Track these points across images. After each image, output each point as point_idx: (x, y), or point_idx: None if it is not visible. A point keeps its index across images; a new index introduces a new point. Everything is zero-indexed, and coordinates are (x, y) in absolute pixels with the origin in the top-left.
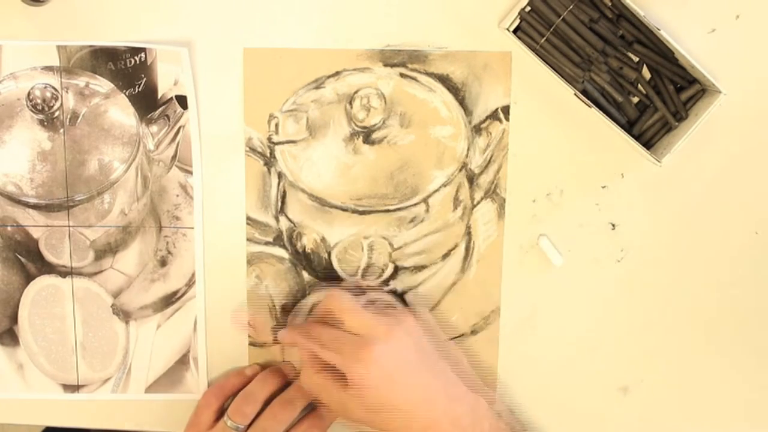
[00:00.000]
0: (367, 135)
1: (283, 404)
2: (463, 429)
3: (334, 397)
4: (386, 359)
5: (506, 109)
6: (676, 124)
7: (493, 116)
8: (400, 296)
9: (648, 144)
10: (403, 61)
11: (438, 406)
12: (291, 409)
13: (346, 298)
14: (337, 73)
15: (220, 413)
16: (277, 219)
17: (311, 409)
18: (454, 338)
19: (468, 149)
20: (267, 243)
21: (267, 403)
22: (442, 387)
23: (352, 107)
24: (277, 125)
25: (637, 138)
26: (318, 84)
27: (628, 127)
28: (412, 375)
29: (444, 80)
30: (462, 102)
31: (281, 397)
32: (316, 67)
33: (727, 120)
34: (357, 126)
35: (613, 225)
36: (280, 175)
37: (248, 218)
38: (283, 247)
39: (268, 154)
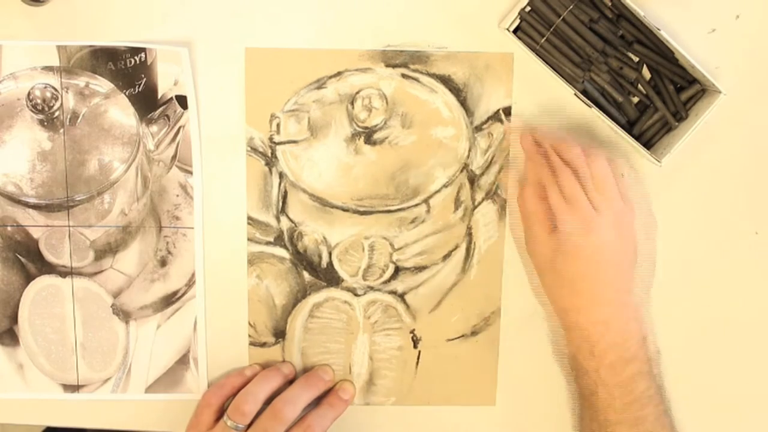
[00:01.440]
0: (368, 135)
1: (285, 403)
2: (610, 332)
3: (536, 233)
4: (605, 241)
5: (507, 110)
6: (676, 124)
7: (495, 117)
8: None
9: (648, 144)
10: (404, 61)
11: (604, 301)
12: (292, 408)
13: (605, 164)
14: (339, 74)
15: (221, 413)
16: (278, 219)
17: (313, 407)
18: (453, 339)
19: (469, 150)
20: (268, 243)
21: (267, 402)
22: (625, 288)
23: (353, 107)
24: (278, 125)
25: (637, 138)
26: (320, 84)
27: (628, 127)
28: (614, 265)
29: (446, 81)
30: (463, 103)
31: (282, 396)
32: (318, 67)
33: (727, 120)
34: (358, 126)
35: None
36: (281, 175)
37: (249, 218)
38: (284, 247)
39: (270, 154)
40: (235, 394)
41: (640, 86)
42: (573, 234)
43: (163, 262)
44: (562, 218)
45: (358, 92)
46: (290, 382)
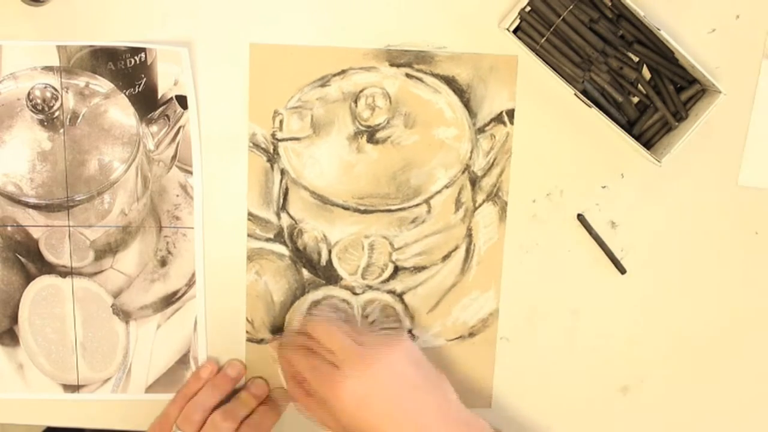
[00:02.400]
0: (371, 134)
1: (224, 415)
2: None
3: (318, 414)
4: (357, 392)
5: (511, 113)
6: (676, 124)
7: (498, 119)
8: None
9: (648, 144)
10: (409, 61)
11: (429, 427)
12: (232, 419)
13: (326, 325)
14: (343, 72)
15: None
16: (278, 216)
17: (260, 403)
18: (451, 340)
19: (471, 151)
20: (267, 239)
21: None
22: (439, 409)
23: (357, 106)
24: (281, 122)
25: (637, 138)
26: (323, 82)
27: (628, 127)
28: (391, 403)
29: (450, 82)
30: (467, 104)
31: (223, 408)
32: (323, 65)
33: (727, 120)
34: (361, 125)
35: (613, 225)
36: (282, 172)
37: (249, 214)
38: (284, 244)
39: (272, 151)
40: None
41: (640, 86)
42: (328, 395)
43: (163, 262)
44: (320, 393)
45: (361, 91)
46: (238, 389)
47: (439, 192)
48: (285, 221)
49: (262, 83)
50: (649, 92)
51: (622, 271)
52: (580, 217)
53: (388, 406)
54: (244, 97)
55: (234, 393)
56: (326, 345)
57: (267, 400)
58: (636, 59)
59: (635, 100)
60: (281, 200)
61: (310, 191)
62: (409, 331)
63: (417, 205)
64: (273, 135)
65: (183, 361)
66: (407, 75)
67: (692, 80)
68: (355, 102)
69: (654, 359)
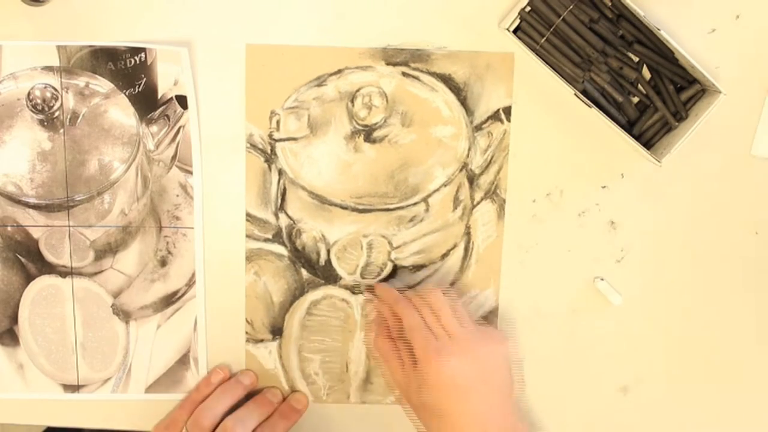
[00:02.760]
0: (368, 133)
1: (235, 421)
2: None
3: (398, 374)
4: (457, 372)
5: (508, 110)
6: (676, 124)
7: (495, 117)
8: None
9: (648, 144)
10: (405, 60)
11: (484, 429)
12: (242, 426)
13: (445, 299)
14: (340, 71)
15: None
16: (276, 216)
17: (265, 419)
18: None
19: (469, 149)
20: (266, 240)
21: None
22: (502, 415)
23: (353, 105)
24: (278, 122)
25: (637, 138)
26: (320, 81)
27: (628, 127)
28: (476, 395)
29: (446, 80)
30: (464, 102)
31: (235, 414)
32: (319, 65)
33: (727, 120)
34: (358, 124)
35: (613, 225)
36: (280, 172)
37: (248, 215)
38: (283, 244)
39: (269, 151)
40: None
41: (640, 86)
42: (419, 362)
43: (163, 262)
44: (404, 348)
45: (358, 90)
46: (251, 395)
47: (437, 190)
48: (283, 221)
49: (259, 84)
50: (649, 92)
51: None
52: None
53: (475, 396)
54: (240, 97)
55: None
56: (440, 316)
57: (281, 409)
58: (636, 59)
59: (635, 100)
60: (279, 200)
61: (308, 191)
62: None
63: (415, 203)
64: (270, 135)
65: (183, 361)
66: (404, 74)
67: (692, 80)
68: (352, 101)
69: (654, 359)
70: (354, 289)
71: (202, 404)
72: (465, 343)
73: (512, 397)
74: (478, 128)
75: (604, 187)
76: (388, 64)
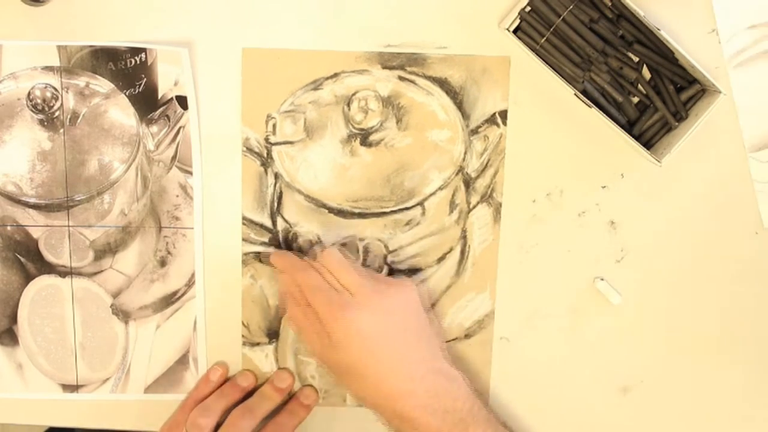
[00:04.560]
0: (364, 137)
1: (243, 412)
2: (439, 403)
3: (312, 340)
4: (364, 324)
5: (504, 114)
6: (676, 124)
7: (491, 121)
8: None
9: (648, 144)
10: (401, 63)
11: (414, 377)
12: (250, 417)
13: (341, 256)
14: (336, 75)
15: None
16: (273, 220)
17: (274, 415)
18: (447, 342)
19: (465, 153)
20: (263, 243)
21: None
22: (424, 360)
23: (349, 109)
24: (274, 126)
25: (637, 138)
26: (316, 85)
27: (628, 127)
28: (390, 344)
29: (442, 84)
30: (460, 106)
31: (242, 405)
32: (315, 69)
33: (727, 120)
34: (354, 128)
35: (613, 225)
36: (276, 176)
37: (244, 218)
38: (279, 247)
39: (265, 155)
40: None
41: (640, 86)
42: (325, 322)
43: (163, 263)
44: (311, 313)
45: (354, 94)
46: (251, 393)
47: (433, 194)
48: (280, 225)
49: (255, 87)
50: (649, 92)
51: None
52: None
53: (387, 346)
54: (237, 101)
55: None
56: (338, 276)
57: (289, 406)
58: (636, 59)
59: (635, 100)
60: (276, 204)
61: (304, 195)
62: None
63: (411, 207)
64: (266, 139)
65: (182, 361)
66: (400, 77)
67: (692, 80)
68: (348, 105)
69: (654, 359)
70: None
71: (200, 405)
72: (369, 295)
73: (436, 344)
74: (474, 132)
75: (604, 187)
76: (384, 67)
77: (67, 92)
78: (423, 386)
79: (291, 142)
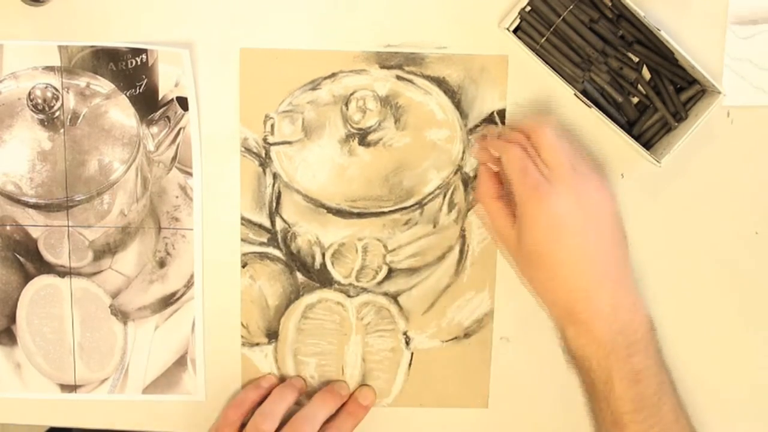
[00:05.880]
0: (362, 137)
1: (303, 420)
2: (618, 319)
3: (500, 224)
4: (560, 210)
5: (502, 113)
6: (676, 124)
7: (489, 120)
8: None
9: (648, 144)
10: (399, 63)
11: (603, 282)
12: (311, 425)
13: (551, 133)
14: (334, 75)
15: (241, 428)
16: (271, 220)
17: (330, 419)
18: (447, 341)
19: (463, 152)
20: (261, 243)
21: (285, 417)
22: (617, 267)
23: (347, 109)
24: (272, 126)
25: (637, 138)
26: (314, 85)
27: (628, 127)
28: (582, 237)
29: (440, 83)
30: (458, 105)
31: (300, 413)
32: (313, 69)
33: (727, 120)
34: (353, 128)
35: None
36: (275, 176)
37: (243, 219)
38: (278, 247)
39: (264, 155)
40: (254, 408)
41: (640, 86)
42: (526, 204)
43: (162, 263)
44: (512, 191)
45: (352, 94)
46: (310, 395)
47: (431, 193)
48: (278, 225)
49: (253, 88)
50: (649, 92)
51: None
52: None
53: (579, 239)
54: (235, 101)
55: None
56: (545, 155)
57: (347, 407)
58: (636, 59)
59: (635, 100)
60: (274, 204)
61: (303, 195)
62: (404, 333)
63: (410, 206)
64: (264, 139)
65: (180, 362)
66: (398, 77)
67: (692, 80)
68: (346, 105)
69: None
70: (349, 293)
71: (260, 408)
72: (570, 182)
73: (628, 257)
74: (472, 131)
75: None
76: (382, 67)
77: (67, 92)
78: (607, 294)
79: (289, 142)
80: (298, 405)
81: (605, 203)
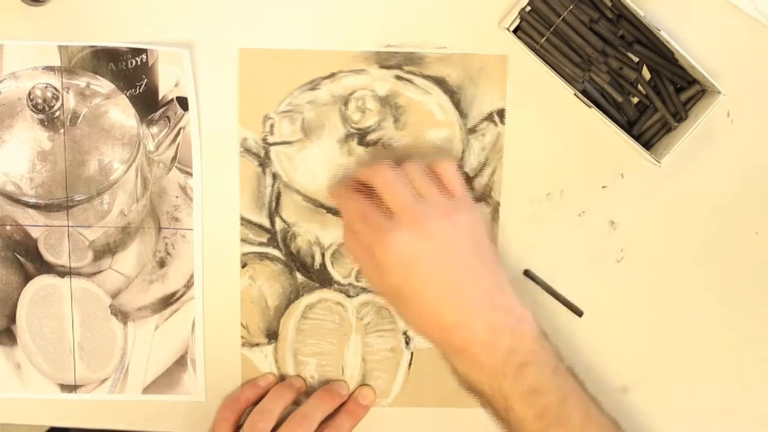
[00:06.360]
0: (361, 137)
1: (301, 419)
2: (500, 341)
3: (365, 268)
4: (406, 248)
5: (501, 113)
6: (676, 124)
7: (488, 119)
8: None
9: (648, 144)
10: (398, 63)
11: (471, 311)
12: (308, 423)
13: (387, 174)
14: (333, 75)
15: (237, 427)
16: (271, 220)
17: (329, 419)
18: None
19: (463, 152)
20: (261, 244)
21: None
22: (486, 292)
23: (347, 109)
24: (272, 126)
25: (637, 138)
26: (313, 85)
27: (628, 127)
28: (442, 270)
29: (440, 83)
30: (457, 105)
31: (299, 410)
32: (312, 69)
33: (727, 120)
34: (352, 128)
35: (613, 225)
36: (274, 176)
37: (242, 219)
38: (277, 248)
39: (263, 155)
40: (251, 407)
41: (639, 86)
42: (374, 247)
43: (162, 263)
44: (366, 241)
45: (351, 93)
46: (308, 394)
47: None
48: (278, 225)
49: (253, 88)
50: (649, 92)
51: (579, 314)
52: (527, 273)
53: (435, 272)
54: (234, 101)
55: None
56: (382, 194)
57: (347, 407)
58: (636, 59)
59: (635, 100)
60: (274, 204)
61: (302, 195)
62: (404, 333)
63: None
64: (264, 139)
65: (180, 362)
66: (397, 77)
67: (692, 81)
68: (346, 105)
69: (654, 359)
70: (349, 293)
71: (257, 407)
72: (416, 217)
73: (502, 277)
74: (471, 131)
75: (604, 187)
76: (381, 67)
77: (67, 92)
78: (481, 321)
79: (289, 143)
80: (298, 405)
81: (468, 227)
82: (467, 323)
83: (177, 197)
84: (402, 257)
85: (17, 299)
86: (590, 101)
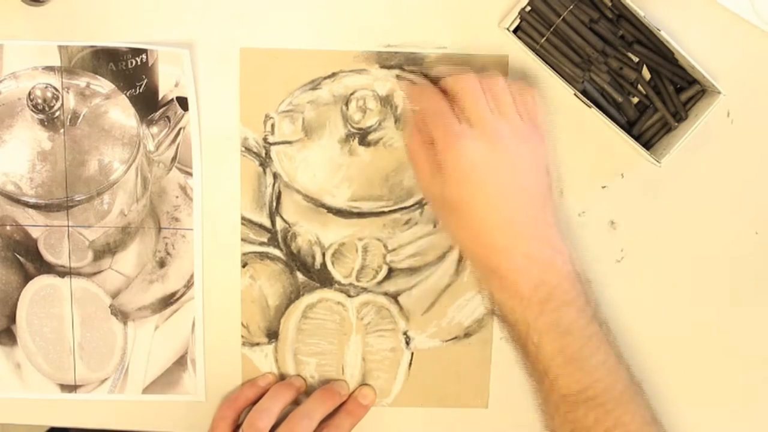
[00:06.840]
0: (362, 137)
1: (300, 417)
2: (535, 271)
3: (424, 173)
4: (478, 159)
5: None
6: (676, 124)
7: None
8: None
9: (648, 144)
10: (399, 63)
11: (518, 235)
12: (308, 422)
13: (474, 83)
14: (334, 75)
15: (236, 426)
16: (271, 220)
17: (329, 418)
18: (447, 341)
19: None
20: (261, 243)
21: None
22: (535, 220)
23: (348, 109)
24: (273, 126)
25: (637, 138)
26: (314, 85)
27: (628, 127)
28: (503, 189)
29: (440, 83)
30: None
31: (299, 410)
32: (313, 68)
33: (727, 120)
34: (353, 127)
35: (613, 225)
36: (275, 176)
37: (243, 218)
38: (278, 247)
39: (264, 155)
40: (250, 406)
41: (640, 86)
42: (444, 149)
43: (162, 263)
44: (436, 141)
45: (352, 93)
46: (307, 393)
47: None
48: (278, 225)
49: (253, 87)
50: (649, 92)
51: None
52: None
53: (499, 191)
54: (235, 101)
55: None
56: (464, 101)
57: (347, 406)
58: (636, 59)
59: (635, 100)
60: (274, 204)
61: (303, 194)
62: (405, 333)
63: (410, 206)
64: (265, 139)
65: (180, 362)
66: (398, 77)
67: (692, 80)
68: (346, 105)
69: (654, 359)
70: (349, 292)
71: (256, 405)
72: (490, 131)
73: (551, 209)
74: None
75: (604, 187)
76: (382, 67)
77: (67, 92)
78: (523, 248)
79: (289, 142)
80: (297, 405)
81: (531, 155)
82: (512, 248)
83: (177, 197)
84: (471, 168)
85: (17, 299)
86: (590, 101)
